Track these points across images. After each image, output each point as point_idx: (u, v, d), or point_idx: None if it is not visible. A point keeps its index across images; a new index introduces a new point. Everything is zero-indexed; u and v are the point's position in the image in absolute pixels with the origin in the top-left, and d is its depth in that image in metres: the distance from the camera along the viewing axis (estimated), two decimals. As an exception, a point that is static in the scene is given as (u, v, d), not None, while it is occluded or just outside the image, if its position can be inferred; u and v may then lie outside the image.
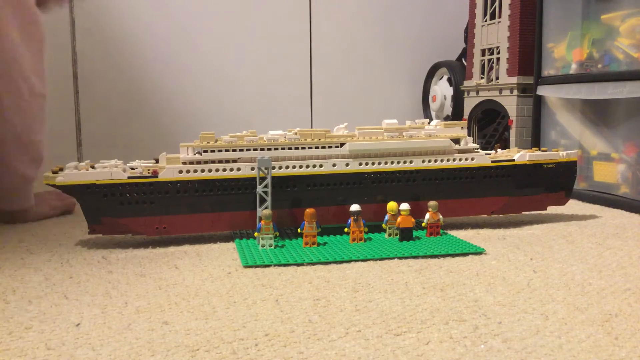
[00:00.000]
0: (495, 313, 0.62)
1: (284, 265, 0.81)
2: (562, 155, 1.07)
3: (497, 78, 1.66)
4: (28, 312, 0.64)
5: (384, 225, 0.95)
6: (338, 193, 0.97)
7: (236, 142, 0.94)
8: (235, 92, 2.01)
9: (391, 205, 0.94)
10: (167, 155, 0.94)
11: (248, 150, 0.94)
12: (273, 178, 0.92)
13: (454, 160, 1.01)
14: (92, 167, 0.93)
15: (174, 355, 0.52)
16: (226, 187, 0.94)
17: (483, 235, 0.99)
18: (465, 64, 1.86)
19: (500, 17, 1.64)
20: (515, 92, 1.59)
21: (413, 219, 0.93)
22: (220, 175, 0.93)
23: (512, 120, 1.60)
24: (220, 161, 0.94)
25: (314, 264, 0.81)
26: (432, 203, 0.94)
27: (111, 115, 1.91)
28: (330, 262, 0.82)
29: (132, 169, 0.95)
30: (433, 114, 2.04)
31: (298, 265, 0.81)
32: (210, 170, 0.93)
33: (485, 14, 1.71)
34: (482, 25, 1.73)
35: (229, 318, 0.61)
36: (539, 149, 1.11)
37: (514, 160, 1.04)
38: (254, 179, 0.93)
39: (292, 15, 2.04)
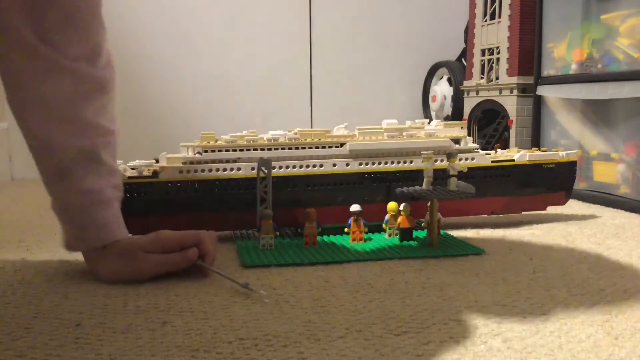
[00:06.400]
0: (495, 313, 0.62)
1: (284, 265, 0.81)
2: (562, 155, 1.07)
3: (497, 78, 1.66)
4: (28, 312, 0.63)
5: (384, 225, 0.95)
6: (338, 193, 0.97)
7: (236, 142, 0.94)
8: (235, 92, 2.01)
9: (391, 205, 0.94)
10: (167, 155, 0.94)
11: (248, 150, 0.94)
12: (273, 178, 0.91)
13: (454, 160, 1.01)
14: (92, 167, 0.93)
15: (174, 355, 0.52)
16: (226, 187, 0.94)
17: (483, 235, 0.99)
18: (465, 64, 1.86)
19: (500, 17, 1.64)
20: (515, 92, 1.59)
21: (413, 219, 0.93)
22: (221, 175, 0.93)
23: (512, 120, 1.60)
24: (220, 161, 0.94)
25: (314, 264, 0.81)
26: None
27: (111, 115, 1.91)
28: (330, 262, 0.82)
29: (132, 169, 0.95)
30: (433, 114, 2.04)
31: (298, 265, 0.81)
32: (210, 170, 0.93)
33: (485, 14, 1.71)
34: (482, 25, 1.73)
35: (229, 318, 0.61)
36: (539, 149, 1.11)
37: (513, 160, 1.04)
38: (254, 179, 0.93)
39: (292, 15, 2.04)
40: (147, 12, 1.90)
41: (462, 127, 1.04)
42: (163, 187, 0.92)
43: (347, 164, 0.97)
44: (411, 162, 0.99)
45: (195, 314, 0.62)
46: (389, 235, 0.95)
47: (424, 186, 0.91)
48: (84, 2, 0.73)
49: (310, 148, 0.96)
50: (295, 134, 0.97)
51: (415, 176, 0.98)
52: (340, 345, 0.54)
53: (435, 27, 2.15)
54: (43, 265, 0.83)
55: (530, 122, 1.53)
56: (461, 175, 0.89)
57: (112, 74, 0.78)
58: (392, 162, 0.99)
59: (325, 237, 0.95)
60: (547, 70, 1.46)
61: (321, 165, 0.96)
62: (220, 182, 0.93)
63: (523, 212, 1.10)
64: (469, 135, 1.20)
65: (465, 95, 1.81)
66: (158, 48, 1.92)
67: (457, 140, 1.03)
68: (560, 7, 1.41)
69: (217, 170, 0.93)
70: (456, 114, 1.90)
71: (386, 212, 0.95)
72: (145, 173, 0.93)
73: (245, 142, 0.94)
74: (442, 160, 0.99)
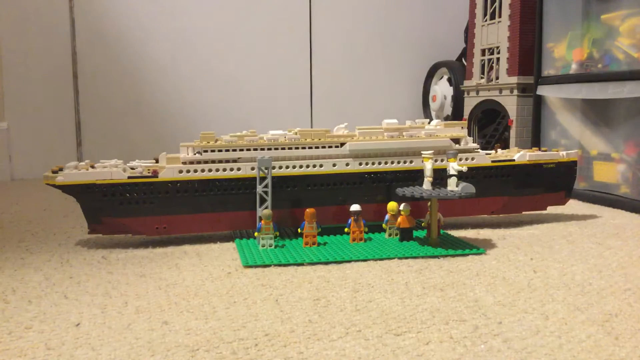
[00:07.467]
0: (495, 313, 0.62)
1: (284, 265, 0.81)
2: (562, 155, 1.07)
3: (497, 78, 1.66)
4: (28, 312, 0.64)
5: (384, 225, 0.95)
6: (338, 193, 0.97)
7: (236, 142, 0.94)
8: (235, 92, 2.01)
9: (391, 205, 0.94)
10: (167, 155, 0.94)
11: (248, 150, 0.94)
12: (273, 178, 0.91)
13: (454, 160, 1.01)
14: (92, 167, 0.93)
15: (174, 355, 0.52)
16: (226, 187, 0.94)
17: (483, 235, 0.99)
18: (465, 63, 1.86)
19: (500, 17, 1.64)
20: (515, 92, 1.59)
21: (413, 219, 0.93)
22: (220, 175, 0.93)
23: (512, 120, 1.60)
24: (220, 161, 0.94)
25: (314, 264, 0.81)
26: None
27: (111, 115, 1.91)
28: (330, 262, 0.82)
29: (132, 168, 0.95)
30: (433, 113, 2.04)
31: (298, 265, 0.81)
32: (210, 170, 0.93)
33: (485, 14, 1.71)
34: (482, 25, 1.73)
35: (229, 318, 0.61)
36: (539, 149, 1.11)
37: (514, 160, 1.04)
38: (254, 179, 0.93)
39: (292, 15, 2.04)
40: (147, 12, 1.90)
41: (462, 127, 1.04)
42: (163, 187, 0.92)
43: (347, 164, 0.97)
44: (411, 162, 0.99)
45: (195, 314, 0.62)
46: (389, 235, 0.95)
47: (424, 186, 0.91)
48: None
49: (310, 148, 0.96)
50: (295, 134, 0.97)
51: (415, 176, 0.98)
52: (340, 345, 0.54)
53: (435, 27, 2.15)
54: (43, 265, 0.83)
55: (531, 122, 1.53)
56: (461, 175, 0.89)
57: None
58: (392, 162, 0.99)
59: (325, 237, 0.95)
60: (548, 70, 1.46)
61: (321, 165, 0.96)
62: (220, 182, 0.93)
63: (523, 212, 1.10)
64: (469, 135, 1.20)
65: (466, 95, 1.81)
66: (158, 48, 1.92)
67: (457, 140, 1.02)
68: (560, 6, 1.41)
69: (217, 170, 0.93)
70: (456, 114, 1.90)
71: (386, 212, 0.95)
72: (145, 173, 0.93)
73: (245, 142, 0.94)
74: (442, 160, 0.99)
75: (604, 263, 0.81)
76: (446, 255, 0.85)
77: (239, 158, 0.94)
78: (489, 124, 1.77)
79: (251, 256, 0.84)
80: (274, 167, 0.93)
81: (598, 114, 1.32)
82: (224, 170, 0.94)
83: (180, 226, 0.94)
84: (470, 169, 1.00)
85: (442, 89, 1.98)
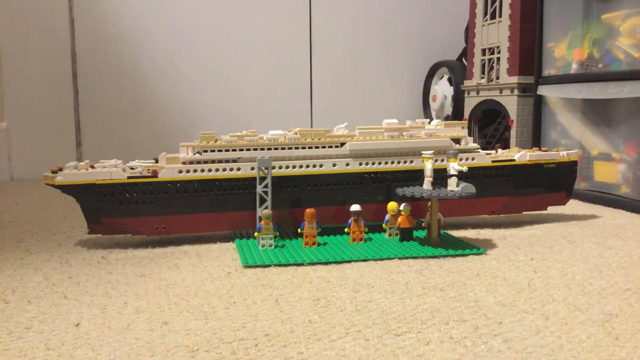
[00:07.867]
0: (495, 313, 0.62)
1: (284, 265, 0.81)
2: (562, 155, 1.06)
3: (497, 78, 1.66)
4: (27, 312, 0.63)
5: (384, 225, 0.95)
6: (338, 193, 0.97)
7: (236, 142, 0.94)
8: (235, 92, 2.01)
9: (391, 205, 0.94)
10: (167, 155, 0.94)
11: (248, 150, 0.94)
12: (273, 178, 0.91)
13: (454, 160, 1.00)
14: (92, 167, 0.93)
15: (173, 356, 0.52)
16: (226, 187, 0.94)
17: (483, 236, 0.99)
18: (465, 63, 1.86)
19: (500, 16, 1.64)
20: (515, 91, 1.59)
21: (413, 219, 0.93)
22: (220, 175, 0.93)
23: (513, 120, 1.60)
24: (220, 161, 0.94)
25: (314, 264, 0.81)
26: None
27: (111, 115, 1.91)
28: (330, 262, 0.82)
29: (132, 168, 0.95)
30: (433, 113, 2.04)
31: (298, 265, 0.81)
32: (210, 170, 0.93)
33: (485, 14, 1.71)
34: (483, 25, 1.72)
35: (229, 318, 0.61)
36: (540, 149, 1.10)
37: (514, 160, 1.04)
38: (254, 179, 0.93)
39: (292, 15, 2.04)
40: (146, 12, 1.90)
41: (462, 127, 1.04)
42: (163, 187, 0.92)
43: (347, 164, 0.97)
44: (411, 162, 0.99)
45: (195, 314, 0.62)
46: (389, 235, 0.95)
47: (424, 186, 0.91)
48: None
49: (310, 148, 0.96)
50: (295, 134, 0.97)
51: (415, 176, 0.98)
52: (340, 345, 0.54)
53: (435, 27, 2.15)
54: (43, 265, 0.83)
55: (531, 121, 1.53)
56: (461, 175, 0.89)
57: None
58: (392, 162, 0.98)
59: (325, 237, 0.95)
60: (548, 70, 1.45)
61: (321, 165, 0.96)
62: (220, 182, 0.93)
63: (524, 212, 1.09)
64: (469, 135, 1.20)
65: (466, 94, 1.81)
66: (158, 48, 1.92)
67: (457, 140, 1.02)
68: (560, 6, 1.41)
69: (217, 170, 0.93)
70: (457, 114, 1.90)
71: (386, 212, 0.95)
72: (145, 173, 0.93)
73: (245, 142, 0.94)
74: (442, 160, 0.99)
75: (604, 263, 0.81)
76: (446, 256, 0.85)
77: (238, 158, 0.94)
78: (489, 124, 1.77)
79: (251, 256, 0.84)
80: (274, 167, 0.93)
81: (598, 113, 1.32)
82: (224, 170, 0.93)
83: (180, 226, 0.94)
84: (470, 169, 1.00)
85: (442, 89, 1.98)
